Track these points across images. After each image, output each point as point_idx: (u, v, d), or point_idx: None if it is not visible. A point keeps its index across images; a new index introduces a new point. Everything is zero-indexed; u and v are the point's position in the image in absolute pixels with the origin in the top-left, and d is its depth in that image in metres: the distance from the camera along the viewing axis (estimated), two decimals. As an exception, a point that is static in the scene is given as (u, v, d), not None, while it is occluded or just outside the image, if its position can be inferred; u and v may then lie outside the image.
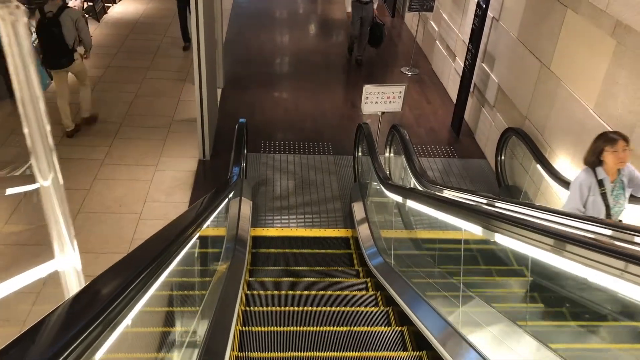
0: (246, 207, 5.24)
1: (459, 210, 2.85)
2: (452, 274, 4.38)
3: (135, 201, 5.81)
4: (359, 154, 5.99)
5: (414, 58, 9.52)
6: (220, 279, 3.99)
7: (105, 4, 10.96)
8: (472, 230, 2.60)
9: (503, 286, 4.12)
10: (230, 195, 4.39)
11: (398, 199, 4.05)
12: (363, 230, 4.86)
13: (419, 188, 4.65)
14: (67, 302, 1.30)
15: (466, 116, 7.61)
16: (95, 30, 10.08)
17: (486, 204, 3.92)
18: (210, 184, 6.22)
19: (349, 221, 5.72)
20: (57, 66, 6.45)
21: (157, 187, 6.06)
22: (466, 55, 7.15)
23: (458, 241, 5.14)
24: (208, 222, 3.32)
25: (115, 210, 5.66)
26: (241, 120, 5.63)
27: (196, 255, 3.07)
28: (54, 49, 6.28)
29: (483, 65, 7.17)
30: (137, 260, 1.73)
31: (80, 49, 6.69)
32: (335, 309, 3.99)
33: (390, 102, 5.65)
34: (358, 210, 5.31)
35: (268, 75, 9.08)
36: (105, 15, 10.74)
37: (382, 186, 4.48)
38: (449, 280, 4.10)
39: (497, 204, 3.79)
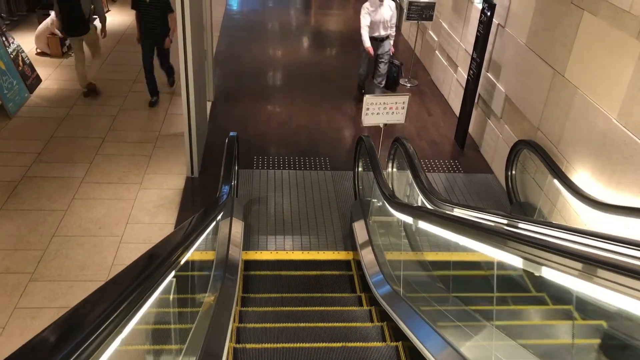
0: (237, 228, 4.78)
1: (491, 237, 2.40)
2: (470, 302, 3.93)
3: (117, 223, 5.32)
4: (359, 169, 5.56)
5: (412, 69, 9.16)
6: (208, 312, 3.51)
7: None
8: (511, 261, 2.16)
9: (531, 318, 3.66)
10: (219, 217, 3.93)
11: (407, 219, 3.61)
12: (366, 255, 4.40)
13: (428, 206, 4.22)
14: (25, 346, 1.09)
15: (470, 128, 7.21)
16: (79, 42, 9.65)
17: (510, 225, 3.48)
18: (198, 203, 5.76)
19: (349, 242, 5.27)
20: (75, 34, 7.44)
21: (141, 207, 5.58)
22: (470, 65, 6.77)
23: (475, 264, 4.69)
24: (193, 249, 2.87)
25: (94, 232, 5.17)
26: (232, 133, 5.19)
27: (179, 287, 2.62)
28: (72, 18, 7.23)
29: (488, 74, 6.80)
30: (111, 294, 1.44)
31: (98, 25, 7.85)
32: (337, 344, 3.52)
33: (392, 113, 5.24)
34: (360, 231, 4.86)
35: (261, 88, 8.67)
36: (90, 27, 10.31)
37: (387, 205, 4.04)
38: (468, 309, 3.64)
39: (525, 226, 3.35)
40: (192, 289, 3.72)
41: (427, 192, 4.24)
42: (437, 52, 8.99)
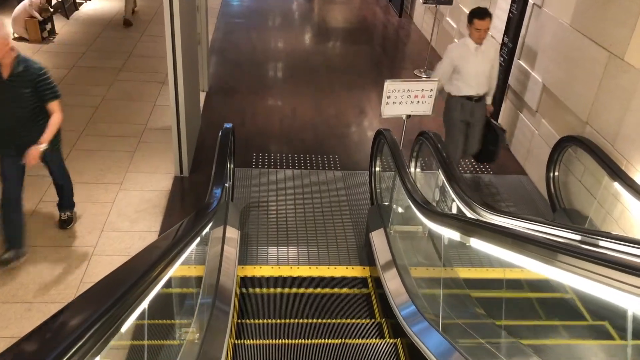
0: (232, 240, 3.95)
1: (597, 266, 1.59)
2: (517, 333, 3.12)
3: (90, 230, 4.49)
4: (377, 168, 4.73)
5: (428, 59, 8.33)
6: (191, 353, 2.70)
7: (77, 0, 9.73)
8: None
9: None
10: (208, 228, 3.10)
11: (450, 233, 2.78)
12: (391, 279, 3.56)
13: (469, 215, 3.39)
14: None
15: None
16: (62, 27, 8.82)
17: (587, 243, 2.66)
18: (188, 207, 4.94)
19: (365, 254, 4.44)
20: None
21: (120, 211, 4.75)
22: (500, 51, 5.94)
23: (516, 283, 3.87)
24: (171, 272, 2.09)
25: (62, 242, 4.35)
26: (227, 125, 4.36)
27: (152, 319, 1.90)
28: None
29: (520, 62, 5.97)
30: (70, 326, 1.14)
31: None
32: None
33: (418, 102, 4.41)
34: (380, 243, 4.03)
35: (261, 78, 7.84)
36: (75, 12, 9.50)
37: (419, 214, 3.22)
38: (523, 345, 2.82)
39: (609, 244, 2.53)
40: (170, 320, 2.90)
41: (468, 197, 3.42)
42: (456, 40, 8.15)
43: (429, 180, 4.28)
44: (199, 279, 3.48)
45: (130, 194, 4.99)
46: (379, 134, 4.42)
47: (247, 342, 3.24)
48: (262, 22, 10.38)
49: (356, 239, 4.64)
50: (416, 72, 8.26)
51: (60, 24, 8.86)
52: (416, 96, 4.38)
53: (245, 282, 4.11)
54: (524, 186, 5.60)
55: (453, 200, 3.81)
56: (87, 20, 9.32)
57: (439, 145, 4.03)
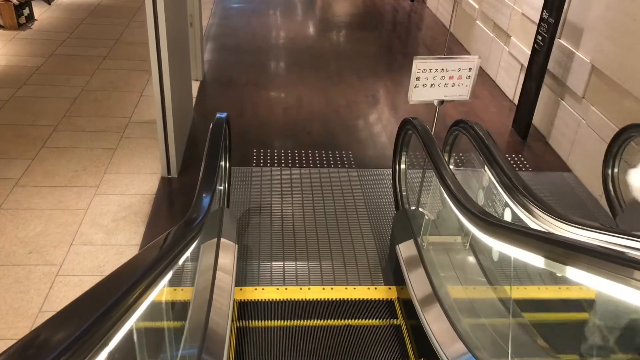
0: (227, 259, 3.16)
1: None
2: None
3: (56, 244, 3.71)
4: (402, 165, 3.94)
5: (447, 44, 7.52)
6: None
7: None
8: None
9: None
10: (191, 249, 2.31)
11: (529, 257, 1.98)
12: (432, 316, 2.77)
13: (536, 227, 2.60)
14: None
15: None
16: (42, 13, 8.02)
17: None
18: (176, 213, 4.17)
19: (391, 269, 3.66)
20: None
21: (94, 220, 3.97)
22: (538, 29, 5.12)
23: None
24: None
25: (20, 260, 3.57)
26: (220, 114, 3.57)
27: None
28: None
29: (561, 42, 5.16)
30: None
31: None
32: None
33: (453, 85, 3.61)
34: (410, 261, 3.25)
35: (262, 66, 7.04)
36: (58, -3, 8.70)
37: (474, 225, 2.42)
38: None
39: None
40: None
41: (534, 203, 2.62)
42: (478, 22, 7.33)
43: (469, 180, 3.50)
44: (181, 316, 2.71)
45: (107, 199, 4.20)
46: (405, 123, 3.63)
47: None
48: (263, 6, 9.56)
49: (378, 251, 3.85)
50: (434, 57, 7.44)
51: (40, 10, 8.07)
52: (451, 77, 3.58)
53: (244, 308, 3.32)
54: (569, 184, 4.80)
55: (506, 206, 3.02)
56: (70, 6, 8.52)
57: (484, 137, 3.24)
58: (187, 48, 5.52)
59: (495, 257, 3.14)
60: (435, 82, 3.57)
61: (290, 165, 4.81)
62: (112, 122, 5.28)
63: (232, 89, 6.26)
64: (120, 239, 3.81)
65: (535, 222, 2.70)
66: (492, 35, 6.86)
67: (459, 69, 3.56)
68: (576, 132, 4.90)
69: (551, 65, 5.23)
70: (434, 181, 3.24)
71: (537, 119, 5.55)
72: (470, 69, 3.57)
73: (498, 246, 2.36)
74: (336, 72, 6.93)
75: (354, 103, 6.09)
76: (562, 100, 5.17)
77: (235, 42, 7.72)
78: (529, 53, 5.50)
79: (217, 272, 3.08)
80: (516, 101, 6.15)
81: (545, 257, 1.87)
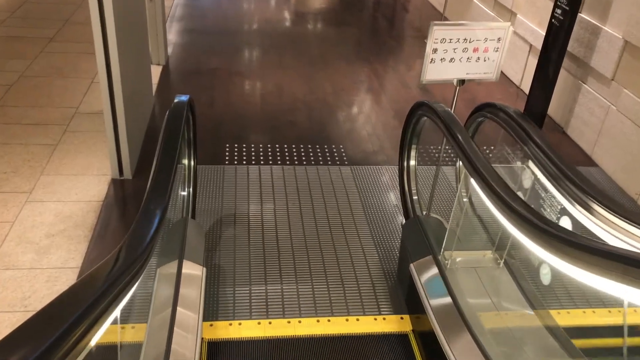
0: (191, 287, 2.37)
1: None
2: None
3: (-32, 269, 2.85)
4: (412, 162, 3.18)
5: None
6: None
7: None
8: None
9: None
10: (138, 277, 1.51)
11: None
12: (463, 353, 2.03)
13: (611, 239, 1.89)
14: None
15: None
16: (-18, -9, 7.02)
17: None
18: (129, 224, 3.31)
19: (401, 294, 2.91)
20: None
21: (22, 236, 3.11)
22: (556, 1, 4.42)
23: None
24: None
25: None
26: (179, 98, 2.74)
27: None
28: None
29: (583, 16, 4.47)
30: None
31: None
32: None
33: (478, 59, 2.87)
34: (431, 285, 2.50)
35: (236, 49, 6.20)
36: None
37: (549, 246, 1.68)
38: None
39: None
40: None
41: (609, 208, 1.91)
42: (476, 1, 6.63)
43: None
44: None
45: (42, 207, 3.34)
46: (418, 107, 2.86)
47: None
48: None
49: (384, 267, 3.09)
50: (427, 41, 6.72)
51: (-21, -13, 7.06)
52: (476, 49, 2.83)
53: (216, 351, 2.53)
54: (596, 181, 4.12)
55: (561, 212, 2.30)
56: (16, -17, 7.51)
57: (524, 124, 2.50)
58: (145, 26, 4.66)
59: (546, 279, 2.42)
60: (456, 55, 2.82)
61: (271, 162, 4.01)
62: (55, 113, 4.39)
63: (201, 75, 5.42)
64: (54, 261, 2.96)
65: (606, 230, 1.99)
66: (492, 14, 6.16)
67: (486, 39, 2.81)
68: (603, 120, 4.22)
69: (571, 45, 4.54)
70: (462, 179, 2.49)
71: (552, 107, 4.86)
72: (499, 39, 2.83)
73: (584, 277, 1.63)
74: (319, 56, 6.14)
75: (343, 90, 5.31)
76: (585, 84, 4.49)
77: (204, 23, 6.87)
78: (541, 32, 4.81)
79: (179, 305, 2.28)
80: (523, 87, 5.48)
81: None
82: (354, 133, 4.55)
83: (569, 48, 4.55)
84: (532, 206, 1.96)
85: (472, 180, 2.26)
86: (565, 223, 2.26)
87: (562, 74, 4.68)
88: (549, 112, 4.89)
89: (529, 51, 5.34)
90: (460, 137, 2.35)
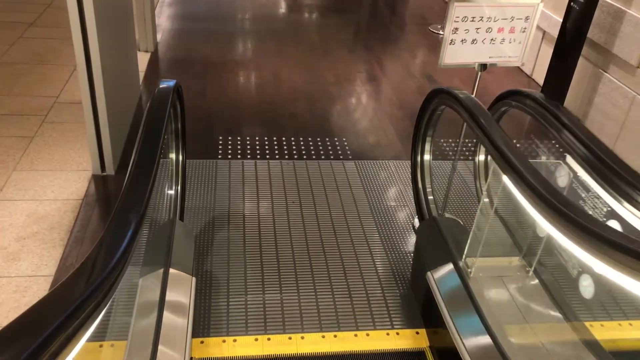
0: (178, 298, 2.05)
1: None
2: None
3: None
4: (426, 156, 2.85)
5: (440, 12, 6.47)
6: None
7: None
8: None
9: None
10: (103, 298, 1.18)
11: None
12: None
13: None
14: None
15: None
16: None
17: None
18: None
19: (416, 306, 2.59)
20: None
21: (-10, 239, 2.77)
22: (575, -17, 4.09)
23: None
24: None
25: None
26: (165, 83, 2.41)
27: None
28: None
29: (604, -1, 4.16)
30: None
31: None
32: None
33: (502, 41, 2.54)
34: (452, 296, 2.19)
35: (230, 36, 5.85)
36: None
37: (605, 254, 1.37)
38: None
39: None
40: None
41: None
42: (483, -14, 6.29)
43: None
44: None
45: (12, 207, 3.00)
46: (435, 95, 2.54)
47: None
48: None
49: (395, 277, 2.77)
50: (431, 28, 6.40)
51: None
52: (501, 29, 2.50)
53: (206, 373, 2.21)
54: (621, 178, 3.81)
55: (608, 214, 1.98)
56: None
57: (560, 115, 2.19)
58: (131, 10, 4.30)
59: (588, 292, 2.11)
60: (479, 36, 2.49)
61: (268, 156, 3.68)
62: (32, 103, 4.03)
63: (192, 63, 5.07)
64: (24, 268, 2.62)
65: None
66: (502, 0, 5.82)
67: (512, 18, 2.49)
68: (628, 112, 3.91)
69: (591, 31, 4.22)
70: (491, 175, 2.16)
71: (568, 98, 4.55)
72: (527, 19, 2.50)
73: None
74: (320, 43, 5.80)
75: (346, 80, 4.98)
76: (606, 72, 4.17)
77: (197, 8, 6.51)
78: (555, 17, 4.49)
79: (165, 319, 1.97)
80: (535, 76, 5.17)
81: None
82: (358, 125, 4.22)
83: (591, 35, 4.24)
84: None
85: (505, 178, 1.95)
86: (614, 225, 1.95)
87: (580, 62, 4.37)
88: (565, 103, 4.58)
89: (542, 38, 5.02)
90: (490, 130, 2.03)
